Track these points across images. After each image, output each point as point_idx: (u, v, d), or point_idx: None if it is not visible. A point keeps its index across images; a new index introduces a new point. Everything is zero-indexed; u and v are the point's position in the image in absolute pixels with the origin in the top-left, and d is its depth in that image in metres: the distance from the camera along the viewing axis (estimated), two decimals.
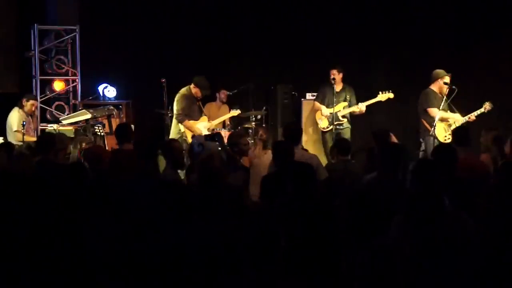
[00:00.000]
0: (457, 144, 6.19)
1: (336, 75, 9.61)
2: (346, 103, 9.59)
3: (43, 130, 10.10)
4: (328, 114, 9.63)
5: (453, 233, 3.57)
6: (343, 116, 9.61)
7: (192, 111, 9.23)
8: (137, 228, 4.06)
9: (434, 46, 10.81)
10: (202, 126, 9.23)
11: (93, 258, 3.59)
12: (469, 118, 8.68)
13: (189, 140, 9.03)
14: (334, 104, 9.54)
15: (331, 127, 9.60)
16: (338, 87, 9.66)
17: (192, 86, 9.29)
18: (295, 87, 11.06)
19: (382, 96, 9.52)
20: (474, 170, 5.49)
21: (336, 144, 7.25)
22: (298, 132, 6.71)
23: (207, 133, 9.17)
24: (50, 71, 11.17)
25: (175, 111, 9.23)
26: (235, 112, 9.91)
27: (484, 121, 8.60)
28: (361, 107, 9.51)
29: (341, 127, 9.61)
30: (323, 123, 9.74)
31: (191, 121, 9.18)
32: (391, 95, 9.52)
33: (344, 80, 9.74)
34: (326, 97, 9.77)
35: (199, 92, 9.27)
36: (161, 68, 11.15)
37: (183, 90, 9.30)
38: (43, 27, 10.99)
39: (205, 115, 9.43)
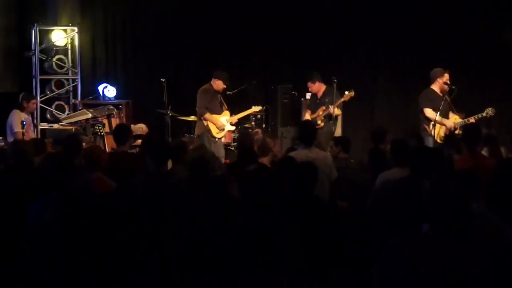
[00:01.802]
0: (464, 143, 6.14)
1: (312, 86, 9.66)
2: (324, 107, 9.57)
3: (43, 130, 10.10)
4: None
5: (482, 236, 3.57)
6: (322, 120, 9.60)
7: (213, 106, 9.26)
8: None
9: (434, 46, 10.80)
10: (225, 120, 9.28)
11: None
12: (468, 120, 8.62)
13: (214, 133, 9.11)
14: (315, 111, 9.68)
15: None
16: (319, 94, 9.70)
17: (213, 80, 9.31)
18: (295, 87, 11.05)
19: (346, 96, 9.48)
20: (480, 169, 5.42)
21: (338, 142, 7.22)
22: (313, 131, 6.68)
23: (230, 127, 9.24)
24: (50, 71, 11.17)
25: (196, 107, 9.28)
26: (257, 108, 9.93)
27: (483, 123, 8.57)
28: (331, 109, 9.46)
29: (320, 130, 9.59)
30: None
31: (213, 115, 9.21)
32: (352, 94, 9.46)
33: (330, 83, 9.69)
34: (311, 104, 9.91)
35: (221, 84, 9.29)
36: (161, 68, 11.17)
37: (203, 86, 9.35)
38: (43, 27, 10.99)
39: (227, 109, 9.46)
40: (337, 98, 9.55)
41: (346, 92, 9.47)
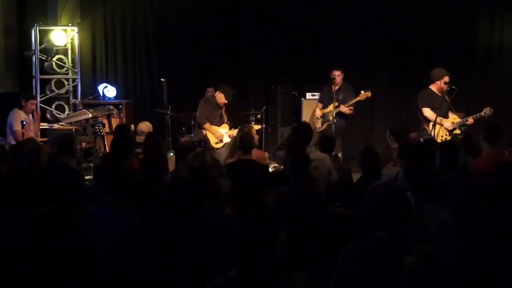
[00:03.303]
0: (486, 141, 6.12)
1: (339, 76, 9.62)
2: (336, 103, 9.54)
3: (43, 130, 10.09)
4: (319, 115, 9.71)
5: (421, 228, 3.58)
6: (334, 117, 9.56)
7: (213, 117, 9.26)
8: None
9: (434, 46, 10.80)
10: (224, 132, 9.28)
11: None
12: (467, 120, 8.63)
13: (212, 143, 9.11)
14: (327, 105, 9.64)
15: (323, 126, 9.66)
16: (337, 87, 9.65)
17: (216, 92, 9.32)
18: (295, 87, 11.06)
19: (361, 96, 9.46)
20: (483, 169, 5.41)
21: (320, 142, 7.13)
22: (309, 132, 6.66)
23: (229, 140, 9.21)
24: (50, 71, 11.17)
25: (197, 116, 9.29)
26: (257, 127, 9.91)
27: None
28: (341, 108, 9.44)
29: (330, 127, 9.59)
30: (317, 124, 9.80)
31: (213, 126, 9.21)
32: (369, 94, 9.46)
33: (345, 78, 9.72)
34: (324, 97, 9.85)
35: (223, 98, 9.28)
36: (161, 68, 11.18)
37: (206, 97, 9.39)
38: (43, 27, 10.99)
39: (227, 123, 9.44)
40: (348, 94, 9.52)
41: (362, 92, 9.44)
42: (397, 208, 3.30)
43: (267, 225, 2.84)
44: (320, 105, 9.90)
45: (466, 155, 6.13)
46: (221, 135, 9.23)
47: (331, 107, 9.56)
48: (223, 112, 9.45)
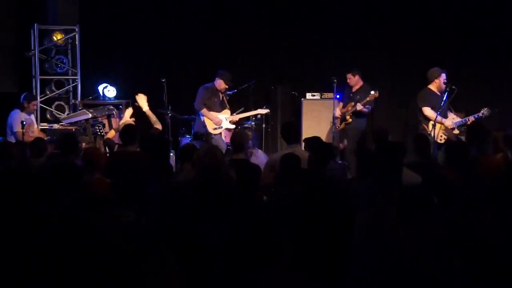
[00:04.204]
0: (470, 144, 6.13)
1: (352, 78, 9.73)
2: (353, 104, 9.66)
3: (43, 130, 10.09)
4: (337, 114, 9.81)
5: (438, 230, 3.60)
6: (351, 116, 9.67)
7: (212, 103, 9.39)
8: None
9: (434, 46, 10.81)
10: (224, 118, 9.35)
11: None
12: (468, 120, 8.66)
13: (210, 129, 9.19)
14: (346, 105, 9.80)
15: (341, 126, 9.77)
16: (355, 87, 9.76)
17: (216, 79, 9.47)
18: (295, 87, 11.07)
19: (371, 96, 9.53)
20: (488, 169, 5.44)
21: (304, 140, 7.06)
22: (295, 131, 6.70)
23: (229, 125, 9.31)
24: (50, 71, 11.17)
25: (194, 103, 9.43)
26: (263, 111, 9.98)
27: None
28: (357, 106, 9.55)
29: (348, 126, 9.72)
30: (337, 123, 9.93)
31: (211, 112, 9.30)
32: (376, 95, 9.55)
33: (364, 79, 9.78)
34: (344, 97, 9.95)
35: (223, 84, 9.40)
36: (161, 68, 11.17)
37: (206, 84, 9.49)
38: (43, 27, 10.98)
39: (228, 109, 9.52)
40: (365, 95, 9.60)
41: (372, 92, 9.50)
42: (418, 207, 3.33)
43: (269, 224, 2.83)
44: (341, 105, 10.00)
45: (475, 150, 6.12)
46: (219, 120, 9.32)
47: (348, 107, 9.68)
48: (224, 98, 9.54)
